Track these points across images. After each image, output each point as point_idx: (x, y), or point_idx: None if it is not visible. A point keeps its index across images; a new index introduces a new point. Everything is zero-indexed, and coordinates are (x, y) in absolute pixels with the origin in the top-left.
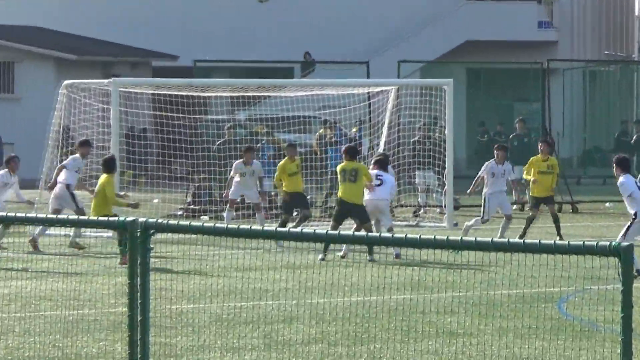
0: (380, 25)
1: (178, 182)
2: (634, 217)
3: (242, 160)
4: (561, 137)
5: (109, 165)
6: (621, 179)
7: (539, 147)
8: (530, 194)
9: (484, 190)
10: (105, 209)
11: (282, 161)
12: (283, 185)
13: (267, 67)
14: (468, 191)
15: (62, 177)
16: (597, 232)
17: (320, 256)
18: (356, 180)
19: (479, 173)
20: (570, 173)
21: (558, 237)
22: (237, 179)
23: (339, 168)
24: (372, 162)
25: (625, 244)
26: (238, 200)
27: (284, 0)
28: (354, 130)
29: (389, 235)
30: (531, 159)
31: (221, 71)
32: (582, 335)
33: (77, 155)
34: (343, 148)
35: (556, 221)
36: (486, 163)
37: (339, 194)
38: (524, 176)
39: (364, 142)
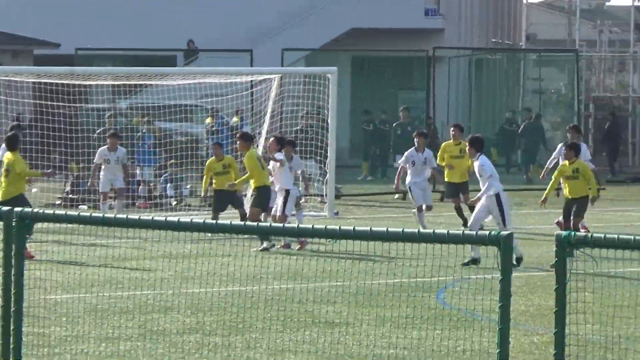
0: (264, 13)
1: (57, 172)
2: (496, 198)
3: (106, 146)
4: (445, 126)
5: (12, 142)
6: (480, 160)
7: (450, 131)
8: (447, 180)
9: (407, 179)
10: (19, 186)
11: (209, 160)
12: (213, 183)
13: (149, 56)
14: (394, 187)
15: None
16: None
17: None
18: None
19: (400, 163)
20: None
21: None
22: (102, 166)
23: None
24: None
25: (504, 233)
26: (108, 191)
27: None
28: (234, 119)
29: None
30: (443, 144)
31: (103, 59)
32: (460, 324)
33: None
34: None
35: (469, 209)
36: (406, 152)
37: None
38: (437, 162)
39: (245, 129)
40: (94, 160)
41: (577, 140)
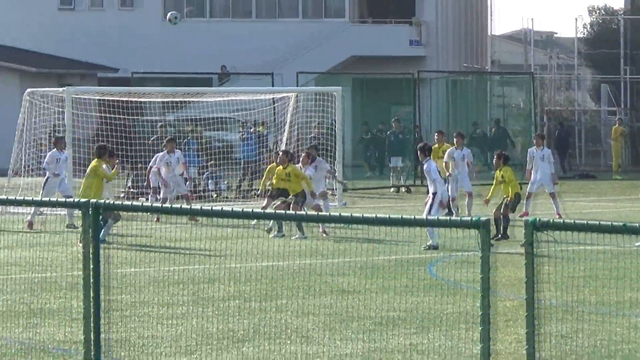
0: (282, 43)
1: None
2: (433, 195)
3: (165, 151)
4: (429, 134)
5: (100, 151)
6: (427, 164)
7: (435, 137)
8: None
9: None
10: (97, 191)
11: (272, 165)
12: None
13: (191, 77)
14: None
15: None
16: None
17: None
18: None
19: (445, 159)
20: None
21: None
22: (163, 169)
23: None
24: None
25: (483, 218)
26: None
27: (203, 22)
28: (260, 128)
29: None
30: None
31: (154, 80)
32: (448, 292)
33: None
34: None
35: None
36: (448, 150)
37: None
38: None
39: (269, 138)
40: (154, 165)
41: (542, 145)
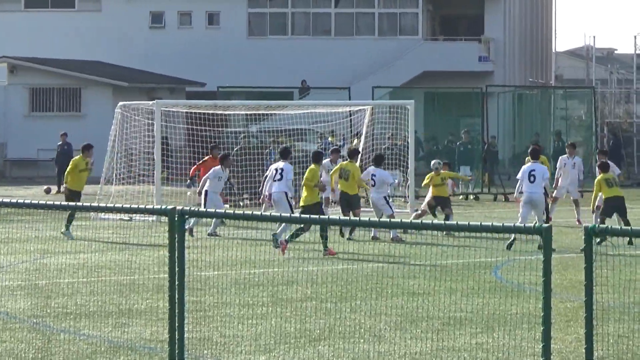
0: (359, 59)
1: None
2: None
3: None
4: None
5: (316, 157)
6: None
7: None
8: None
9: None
10: (314, 196)
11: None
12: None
13: (273, 92)
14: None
15: (207, 185)
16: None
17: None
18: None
19: (557, 167)
20: (503, 171)
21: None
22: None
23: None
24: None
25: (545, 225)
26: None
27: (285, 40)
28: (330, 138)
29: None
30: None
31: (238, 94)
32: (512, 294)
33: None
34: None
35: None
36: (560, 157)
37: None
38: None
39: (344, 148)
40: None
41: (573, 153)
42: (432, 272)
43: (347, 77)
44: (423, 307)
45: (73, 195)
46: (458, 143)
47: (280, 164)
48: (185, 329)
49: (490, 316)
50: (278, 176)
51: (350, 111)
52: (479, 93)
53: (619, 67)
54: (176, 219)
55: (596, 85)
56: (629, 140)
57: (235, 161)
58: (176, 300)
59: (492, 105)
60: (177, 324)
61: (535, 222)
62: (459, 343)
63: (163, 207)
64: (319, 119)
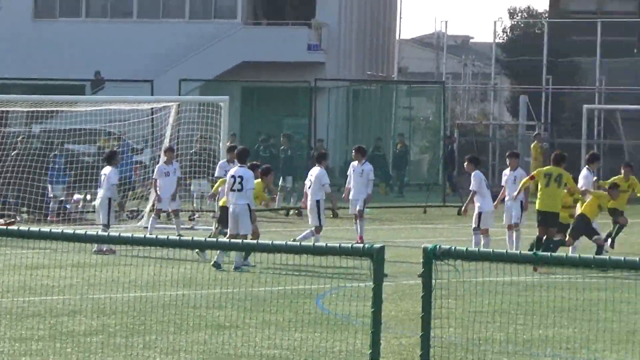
0: (165, 47)
1: None
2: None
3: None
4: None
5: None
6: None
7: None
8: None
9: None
10: None
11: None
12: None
13: (61, 84)
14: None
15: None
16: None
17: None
18: None
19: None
20: (333, 182)
21: None
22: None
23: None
24: None
25: (377, 245)
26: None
27: (80, 24)
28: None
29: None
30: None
31: (19, 88)
32: (336, 327)
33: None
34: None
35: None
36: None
37: None
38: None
39: (146, 152)
40: (153, 176)
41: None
42: (242, 301)
43: (151, 68)
44: (230, 343)
45: None
46: (281, 149)
47: (239, 170)
48: None
49: (310, 354)
50: (238, 186)
51: (152, 109)
52: (307, 88)
53: (474, 58)
54: None
55: (447, 80)
56: (484, 146)
57: (12, 167)
58: None
59: (322, 103)
60: None
61: (371, 244)
62: None
63: None
64: (115, 117)
